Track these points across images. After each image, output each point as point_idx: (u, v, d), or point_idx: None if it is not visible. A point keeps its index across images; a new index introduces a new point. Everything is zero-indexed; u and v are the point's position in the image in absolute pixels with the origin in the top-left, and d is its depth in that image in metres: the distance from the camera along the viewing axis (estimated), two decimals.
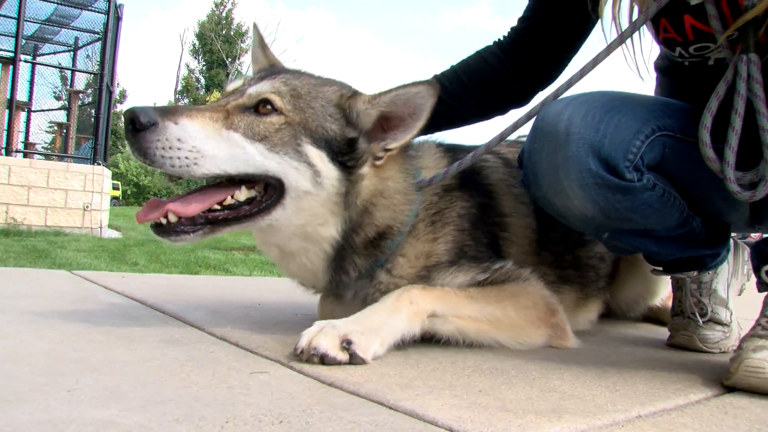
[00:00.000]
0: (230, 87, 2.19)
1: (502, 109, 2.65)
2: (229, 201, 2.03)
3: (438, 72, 2.61)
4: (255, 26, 2.59)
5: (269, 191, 2.06)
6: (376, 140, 2.14)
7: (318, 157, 2.04)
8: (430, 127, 2.27)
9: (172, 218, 1.96)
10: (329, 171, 2.05)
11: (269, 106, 2.03)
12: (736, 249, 2.67)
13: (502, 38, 2.60)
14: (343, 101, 2.12)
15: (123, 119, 1.90)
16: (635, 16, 2.11)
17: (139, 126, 1.84)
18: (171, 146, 1.86)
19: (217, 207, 2.03)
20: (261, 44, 2.47)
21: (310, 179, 2.03)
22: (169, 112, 1.90)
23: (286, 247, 2.18)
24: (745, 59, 1.86)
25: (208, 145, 1.91)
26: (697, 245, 2.26)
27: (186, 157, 1.88)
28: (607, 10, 2.16)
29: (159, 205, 1.98)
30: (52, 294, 2.92)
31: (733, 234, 2.48)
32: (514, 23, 2.58)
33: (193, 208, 1.98)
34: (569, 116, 1.96)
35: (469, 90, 2.54)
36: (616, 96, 2.06)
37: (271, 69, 2.28)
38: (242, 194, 2.04)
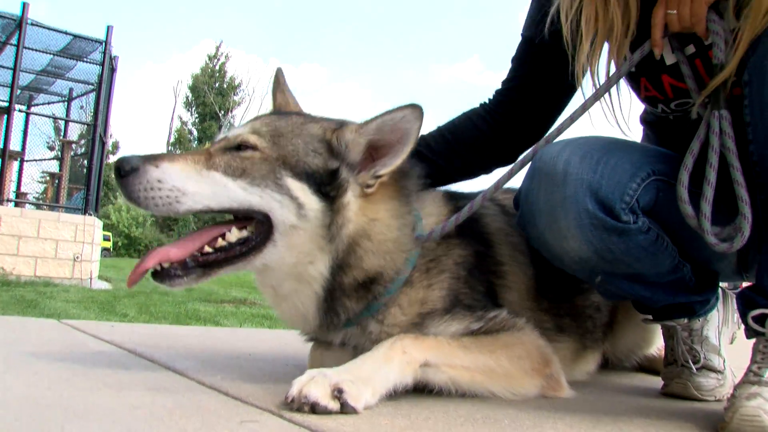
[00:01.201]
0: (219, 136, 2.25)
1: (487, 168, 2.70)
2: (220, 243, 2.06)
3: (425, 132, 2.62)
4: (279, 70, 2.67)
5: (258, 229, 2.08)
6: (365, 170, 2.16)
7: (300, 189, 2.06)
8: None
9: (165, 264, 2.01)
10: (312, 203, 2.07)
11: (247, 145, 2.09)
12: (725, 298, 2.68)
13: (487, 101, 2.65)
14: (329, 135, 2.16)
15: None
16: (612, 72, 2.17)
17: (124, 173, 1.97)
18: (152, 187, 1.97)
19: (210, 250, 2.05)
20: (278, 87, 2.59)
21: (295, 212, 2.05)
22: (151, 157, 2.01)
23: (280, 289, 2.19)
24: (717, 114, 1.92)
25: (188, 184, 2.00)
26: (686, 292, 2.27)
27: (167, 196, 1.97)
28: (585, 69, 2.20)
29: (144, 260, 2.03)
30: (39, 342, 2.89)
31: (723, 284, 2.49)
32: (500, 83, 2.62)
33: (176, 252, 2.03)
34: (568, 157, 1.99)
35: (455, 149, 2.58)
36: (612, 140, 2.11)
37: (258, 115, 2.34)
38: (233, 235, 2.07)
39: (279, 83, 2.60)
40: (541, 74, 2.47)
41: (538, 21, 2.36)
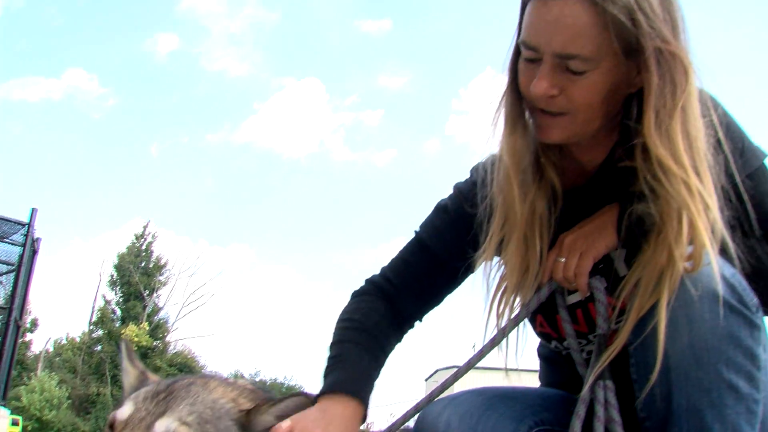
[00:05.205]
0: (124, 415, 2.11)
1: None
2: None
3: None
4: (124, 341, 2.61)
5: None
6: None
7: None
8: None
9: None
10: None
11: None
12: None
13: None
14: (242, 416, 2.17)
15: None
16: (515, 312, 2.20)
17: None
18: None
19: None
20: (129, 357, 2.49)
21: None
22: None
23: None
24: (602, 384, 1.95)
25: None
26: None
27: None
28: (489, 306, 2.22)
29: None
30: None
31: None
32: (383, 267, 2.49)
33: None
34: (447, 418, 2.04)
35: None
36: (495, 393, 2.15)
37: (159, 389, 2.20)
38: None
39: (129, 353, 2.51)
40: (429, 281, 2.40)
41: (441, 237, 2.35)
